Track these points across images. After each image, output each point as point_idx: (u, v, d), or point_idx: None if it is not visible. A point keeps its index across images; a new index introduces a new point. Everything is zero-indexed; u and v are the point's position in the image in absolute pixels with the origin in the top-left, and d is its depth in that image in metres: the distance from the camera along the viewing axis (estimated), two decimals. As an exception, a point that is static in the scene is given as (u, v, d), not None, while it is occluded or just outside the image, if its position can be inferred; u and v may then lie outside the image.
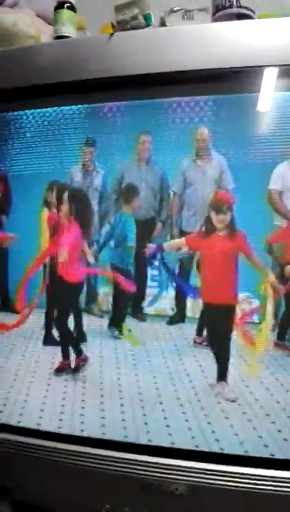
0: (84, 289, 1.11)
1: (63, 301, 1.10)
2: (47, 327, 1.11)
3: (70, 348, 1.08)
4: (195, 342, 1.02)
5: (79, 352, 1.07)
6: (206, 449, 0.89)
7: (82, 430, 0.97)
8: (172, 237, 1.06)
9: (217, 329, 0.98)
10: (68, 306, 1.10)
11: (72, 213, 1.03)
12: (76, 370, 1.06)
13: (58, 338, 1.11)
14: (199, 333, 1.02)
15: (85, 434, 0.96)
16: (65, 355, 1.08)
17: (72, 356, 1.07)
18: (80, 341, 1.08)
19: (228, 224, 0.94)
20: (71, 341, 1.08)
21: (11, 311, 1.09)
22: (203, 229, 0.96)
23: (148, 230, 1.05)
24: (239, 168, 0.93)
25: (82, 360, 1.07)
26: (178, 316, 1.06)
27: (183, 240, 1.02)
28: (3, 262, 1.12)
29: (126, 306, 1.08)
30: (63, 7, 1.03)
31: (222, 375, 0.95)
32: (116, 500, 0.92)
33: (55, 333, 1.11)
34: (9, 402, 1.03)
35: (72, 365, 1.07)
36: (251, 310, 0.97)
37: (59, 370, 1.06)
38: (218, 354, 0.97)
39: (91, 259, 1.07)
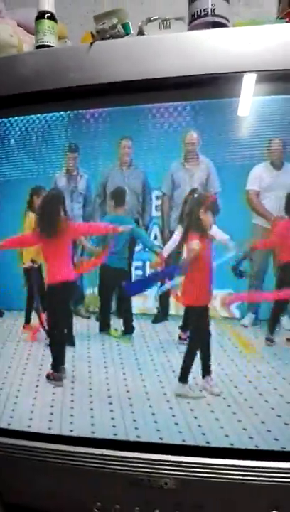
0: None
1: (55, 304, 1.09)
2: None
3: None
4: (180, 338, 1.03)
5: (57, 369, 1.05)
6: (193, 443, 0.91)
7: (72, 430, 0.98)
8: (164, 239, 1.06)
9: (200, 328, 1.00)
10: (60, 309, 1.09)
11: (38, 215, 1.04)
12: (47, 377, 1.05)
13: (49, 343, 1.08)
14: (184, 329, 1.04)
15: (75, 433, 0.97)
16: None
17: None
18: (69, 345, 1.08)
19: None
20: (57, 358, 1.06)
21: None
22: (193, 230, 0.98)
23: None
24: (221, 170, 0.96)
25: (56, 377, 1.05)
26: (162, 314, 1.08)
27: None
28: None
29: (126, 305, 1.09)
30: (44, 17, 1.06)
31: (205, 370, 0.98)
32: (106, 498, 0.93)
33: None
34: (-1, 405, 1.05)
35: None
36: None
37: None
38: (203, 352, 0.99)
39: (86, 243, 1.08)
